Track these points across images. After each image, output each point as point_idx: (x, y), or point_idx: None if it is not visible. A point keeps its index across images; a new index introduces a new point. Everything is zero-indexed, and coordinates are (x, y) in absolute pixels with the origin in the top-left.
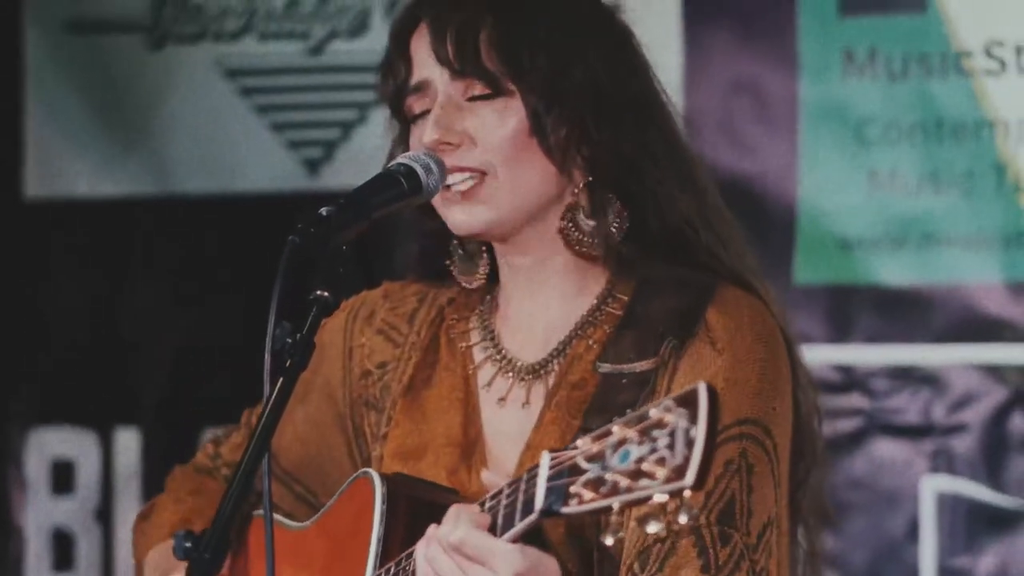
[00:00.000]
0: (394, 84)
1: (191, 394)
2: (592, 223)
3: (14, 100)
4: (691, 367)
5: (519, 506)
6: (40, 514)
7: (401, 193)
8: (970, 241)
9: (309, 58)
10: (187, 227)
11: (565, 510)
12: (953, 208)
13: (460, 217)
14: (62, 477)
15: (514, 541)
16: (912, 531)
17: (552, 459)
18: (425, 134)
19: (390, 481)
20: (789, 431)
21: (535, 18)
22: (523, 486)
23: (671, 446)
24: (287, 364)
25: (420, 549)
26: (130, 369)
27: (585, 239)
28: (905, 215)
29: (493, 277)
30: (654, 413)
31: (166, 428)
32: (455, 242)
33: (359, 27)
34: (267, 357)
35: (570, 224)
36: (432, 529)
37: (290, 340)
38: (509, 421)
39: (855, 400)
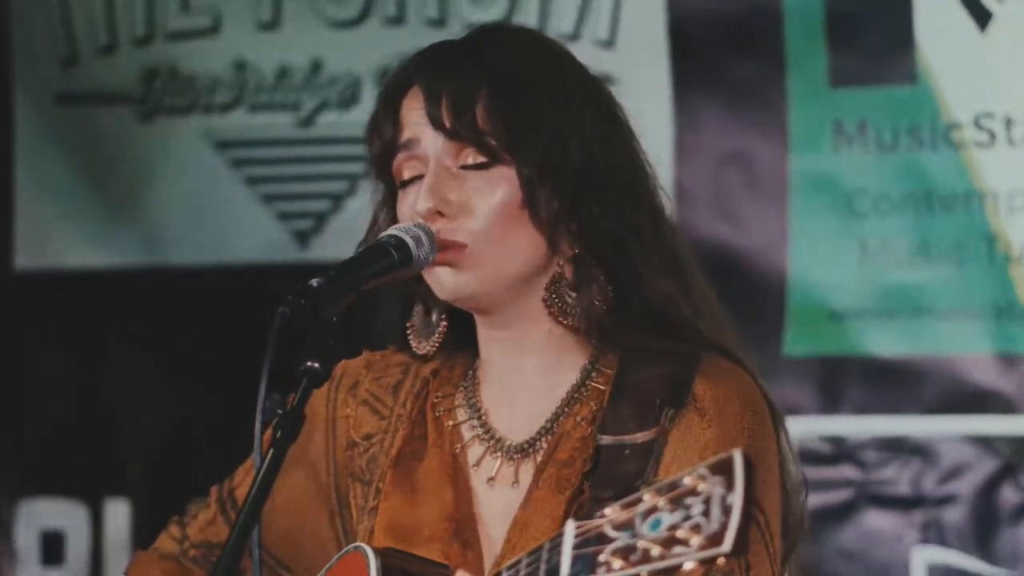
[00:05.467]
0: (381, 144)
1: (181, 465)
2: (575, 295)
3: (4, 172)
4: (680, 438)
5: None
6: None
7: (392, 265)
8: (961, 312)
9: (299, 130)
10: (177, 298)
11: None
12: (944, 279)
13: (445, 283)
14: (52, 548)
15: None
16: None
17: (577, 527)
18: (419, 202)
19: (383, 555)
20: (779, 504)
21: (531, 90)
22: (545, 555)
23: (706, 513)
24: (277, 436)
25: None
26: (120, 440)
27: (569, 311)
28: (895, 286)
29: (470, 349)
30: (687, 481)
31: (156, 499)
32: (418, 306)
33: (350, 98)
34: (257, 429)
35: (554, 296)
36: None
37: (280, 412)
38: (498, 500)
39: (845, 471)
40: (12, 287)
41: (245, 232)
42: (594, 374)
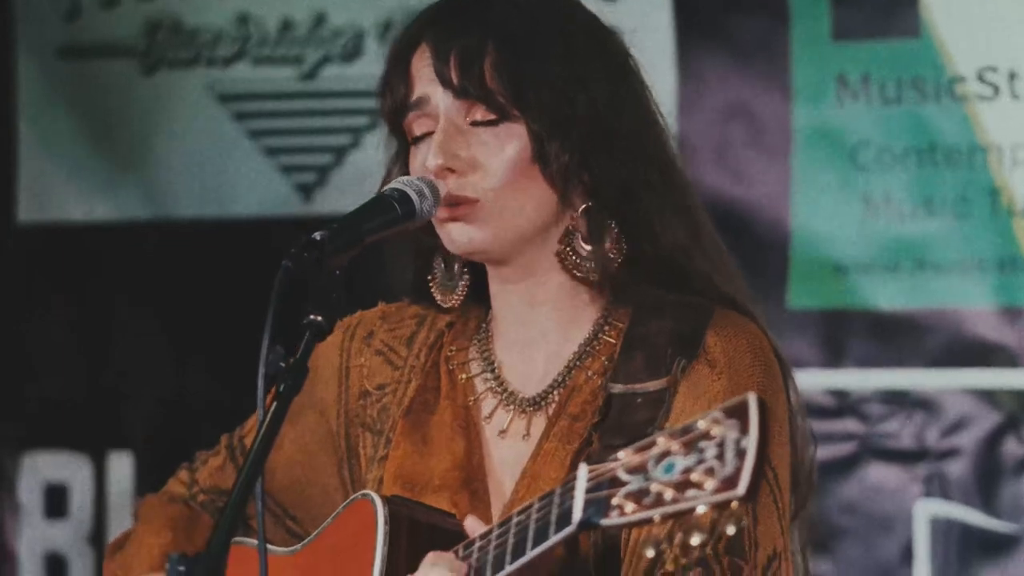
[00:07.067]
0: (392, 102)
1: (184, 417)
2: (589, 248)
3: (6, 125)
4: (690, 389)
5: (553, 519)
6: (33, 538)
7: (395, 218)
8: (963, 266)
9: (302, 83)
10: (180, 251)
11: (605, 522)
12: (946, 233)
13: (455, 237)
14: (55, 501)
15: (549, 553)
16: (906, 556)
17: (590, 471)
18: (428, 159)
19: (390, 503)
20: (788, 456)
21: (538, 44)
22: (557, 499)
23: (720, 456)
24: (280, 389)
25: None
26: (123, 393)
27: (583, 263)
28: (898, 240)
29: (484, 302)
30: (701, 424)
31: (159, 451)
32: (437, 259)
33: (353, 52)
34: (260, 382)
35: (568, 248)
36: None
37: (283, 365)
38: (509, 452)
39: (848, 425)
40: (15, 240)
41: (248, 185)
42: (606, 328)
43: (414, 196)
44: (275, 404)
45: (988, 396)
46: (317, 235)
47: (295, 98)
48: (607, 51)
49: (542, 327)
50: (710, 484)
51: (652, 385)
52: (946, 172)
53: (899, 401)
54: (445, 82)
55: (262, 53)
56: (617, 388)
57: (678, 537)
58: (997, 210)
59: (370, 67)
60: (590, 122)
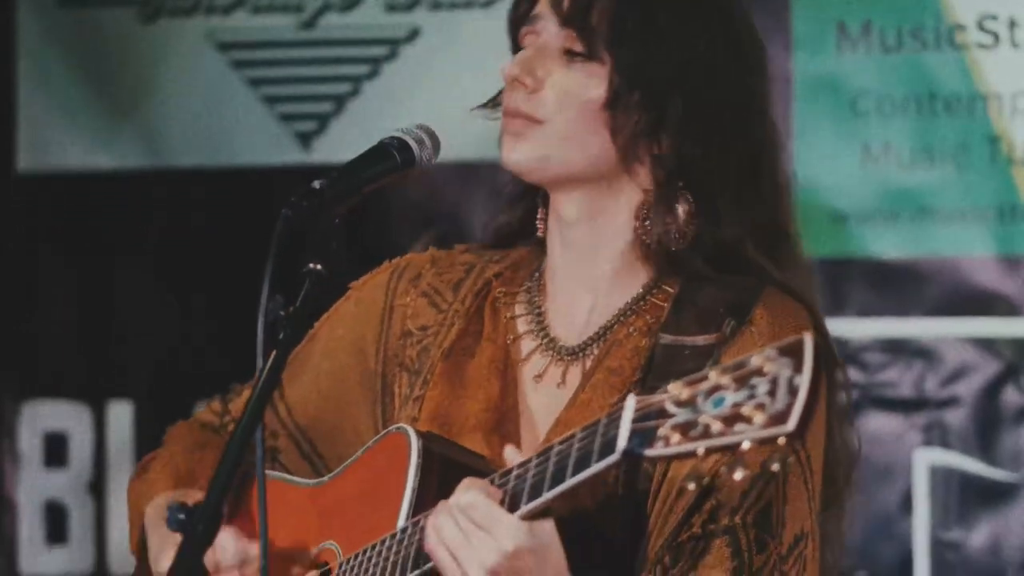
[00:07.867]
0: (515, 15)
1: (184, 367)
2: (654, 220)
3: (6, 73)
4: (738, 353)
5: (597, 448)
6: (33, 487)
7: (394, 166)
8: (963, 214)
9: (302, 31)
10: (179, 200)
11: (650, 452)
12: (946, 181)
13: (508, 149)
14: (55, 450)
15: (587, 483)
16: (905, 504)
17: (638, 402)
18: (507, 66)
19: (425, 438)
20: (822, 442)
21: (660, 3)
22: (602, 428)
23: (772, 392)
24: (280, 337)
25: (429, 519)
26: (123, 342)
27: (653, 233)
28: (898, 188)
29: (539, 253)
30: (755, 361)
31: (159, 401)
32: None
33: (352, 0)
34: (260, 330)
35: (646, 223)
36: (442, 503)
37: (283, 313)
38: (543, 398)
39: (848, 373)
40: (14, 189)
41: (247, 134)
42: (655, 291)
43: (414, 144)
44: (275, 352)
45: (988, 345)
46: (317, 183)
47: (295, 46)
48: (733, 34)
49: (591, 276)
50: (759, 418)
51: (701, 339)
52: (946, 120)
53: (899, 350)
54: (556, 6)
55: (261, 1)
56: (666, 339)
57: (722, 471)
58: (997, 158)
59: (369, 16)
60: (677, 91)
